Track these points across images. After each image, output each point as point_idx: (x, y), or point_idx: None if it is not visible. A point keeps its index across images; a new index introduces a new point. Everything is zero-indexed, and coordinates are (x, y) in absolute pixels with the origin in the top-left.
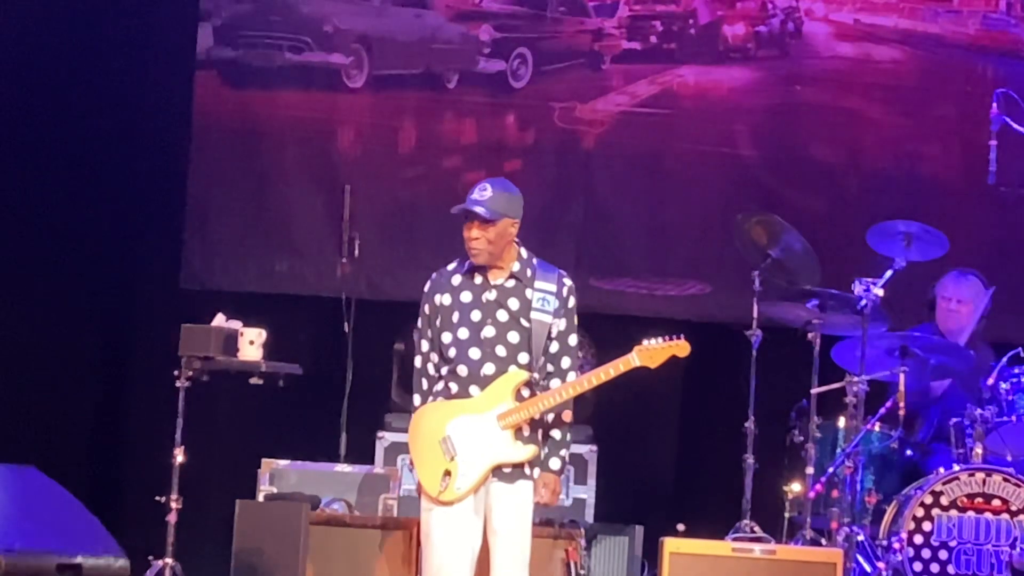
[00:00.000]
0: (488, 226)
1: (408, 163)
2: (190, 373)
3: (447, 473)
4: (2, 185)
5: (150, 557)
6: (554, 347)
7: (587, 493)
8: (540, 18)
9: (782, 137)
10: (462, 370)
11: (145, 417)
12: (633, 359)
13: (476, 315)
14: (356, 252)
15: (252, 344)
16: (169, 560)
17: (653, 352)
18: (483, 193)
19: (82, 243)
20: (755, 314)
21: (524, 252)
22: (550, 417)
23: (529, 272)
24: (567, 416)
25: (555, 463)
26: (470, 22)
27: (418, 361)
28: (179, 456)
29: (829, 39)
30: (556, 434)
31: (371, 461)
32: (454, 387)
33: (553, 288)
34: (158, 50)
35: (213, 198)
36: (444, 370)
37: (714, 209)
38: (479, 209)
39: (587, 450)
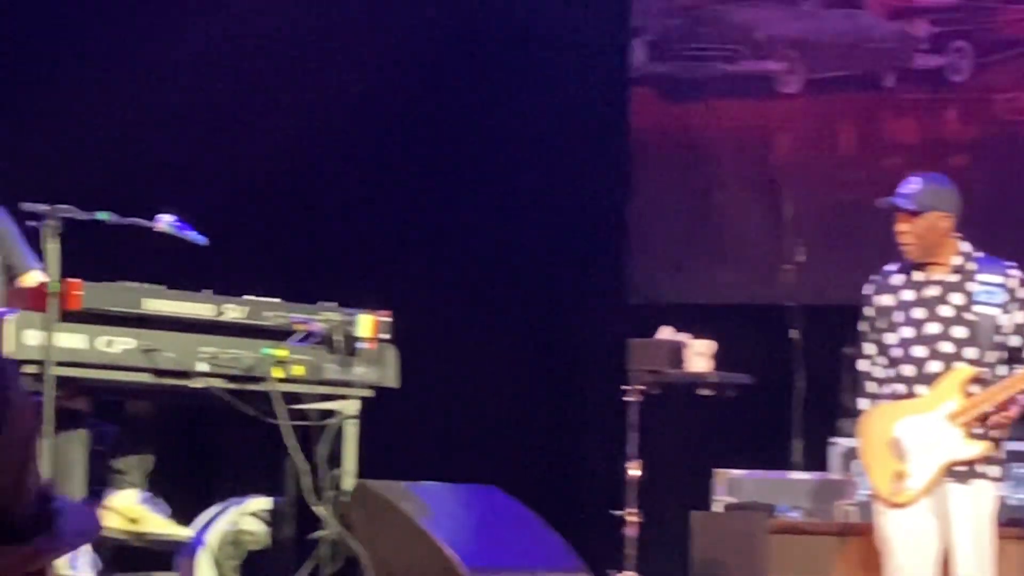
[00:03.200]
0: (915, 219)
1: (848, 165)
2: (640, 387)
3: (899, 475)
4: (451, 206)
5: (610, 571)
6: (1015, 341)
7: None
8: (979, 9)
9: None
10: (907, 370)
11: (598, 432)
12: None
13: (919, 313)
14: (800, 258)
15: (700, 356)
16: (630, 573)
17: None
18: (909, 187)
19: (528, 262)
20: None
21: (965, 246)
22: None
23: (971, 266)
24: None
25: None
26: (905, 18)
27: (864, 365)
28: (633, 469)
29: None
30: None
31: (825, 467)
32: (900, 388)
33: (999, 280)
34: (592, 68)
35: (654, 212)
36: (890, 372)
37: None
38: (902, 202)
39: None
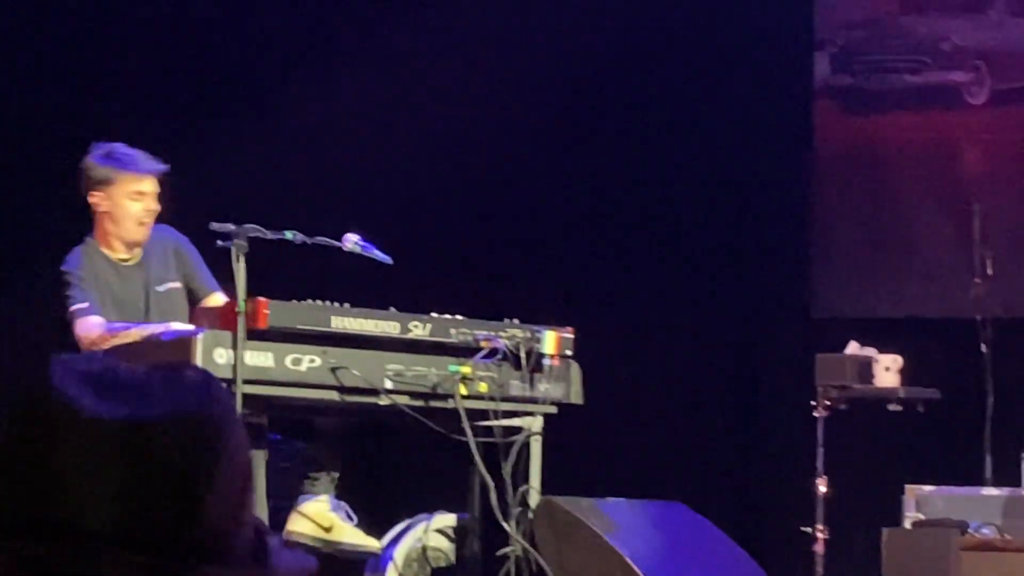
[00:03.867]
0: None
1: None
2: (827, 402)
3: None
4: (632, 221)
5: None
6: None
7: None
8: None
9: None
10: None
11: (784, 447)
12: None
13: None
14: (989, 271)
15: (888, 371)
16: None
17: None
18: None
19: (711, 276)
20: None
21: None
22: None
23: None
24: None
25: None
26: None
27: None
28: (821, 486)
29: None
30: None
31: (1018, 483)
32: None
33: None
34: (775, 81)
35: (838, 225)
36: None
37: None
38: None
39: None
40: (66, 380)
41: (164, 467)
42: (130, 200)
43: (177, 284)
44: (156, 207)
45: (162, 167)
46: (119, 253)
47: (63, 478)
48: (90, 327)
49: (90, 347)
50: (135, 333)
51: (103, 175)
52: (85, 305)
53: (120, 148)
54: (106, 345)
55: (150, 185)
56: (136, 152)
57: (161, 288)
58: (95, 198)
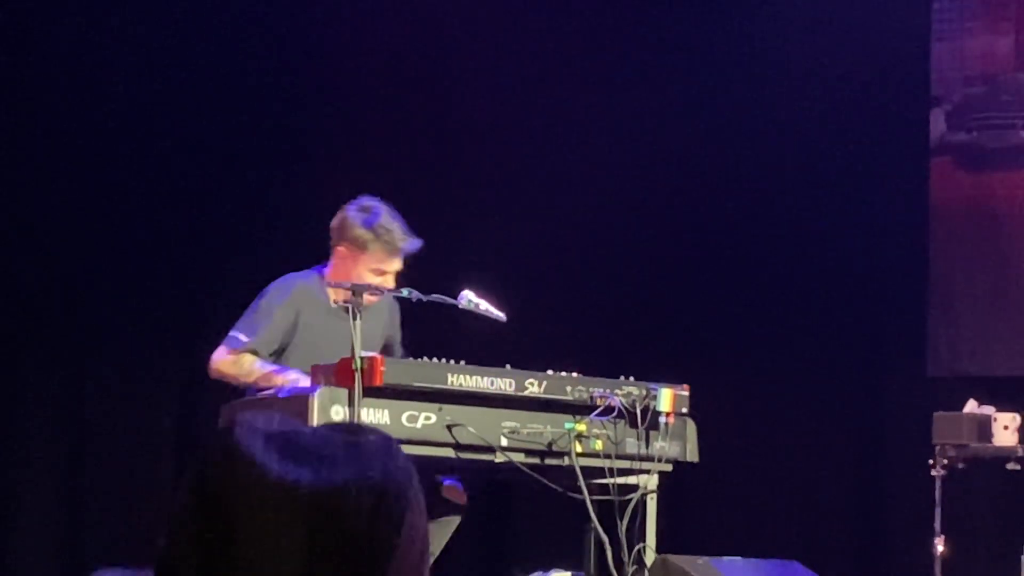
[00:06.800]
0: None
1: None
2: (944, 461)
3: None
4: (748, 278)
5: None
6: None
7: None
8: None
9: None
10: None
11: (902, 506)
12: None
13: None
14: None
15: (1006, 429)
16: None
17: None
18: None
19: (826, 335)
20: None
21: None
22: None
23: None
24: None
25: None
26: None
27: None
28: (939, 545)
29: None
30: None
31: None
32: None
33: None
34: (891, 138)
35: (955, 282)
36: None
37: None
38: None
39: None
40: (251, 441)
41: (347, 534)
42: (372, 274)
43: (377, 352)
44: (392, 284)
45: (416, 245)
46: (340, 300)
47: (247, 542)
48: (223, 355)
49: (214, 373)
50: (257, 371)
51: (359, 239)
52: (244, 340)
53: (382, 217)
54: (225, 373)
55: (398, 264)
56: (396, 224)
57: (364, 354)
58: (342, 252)
